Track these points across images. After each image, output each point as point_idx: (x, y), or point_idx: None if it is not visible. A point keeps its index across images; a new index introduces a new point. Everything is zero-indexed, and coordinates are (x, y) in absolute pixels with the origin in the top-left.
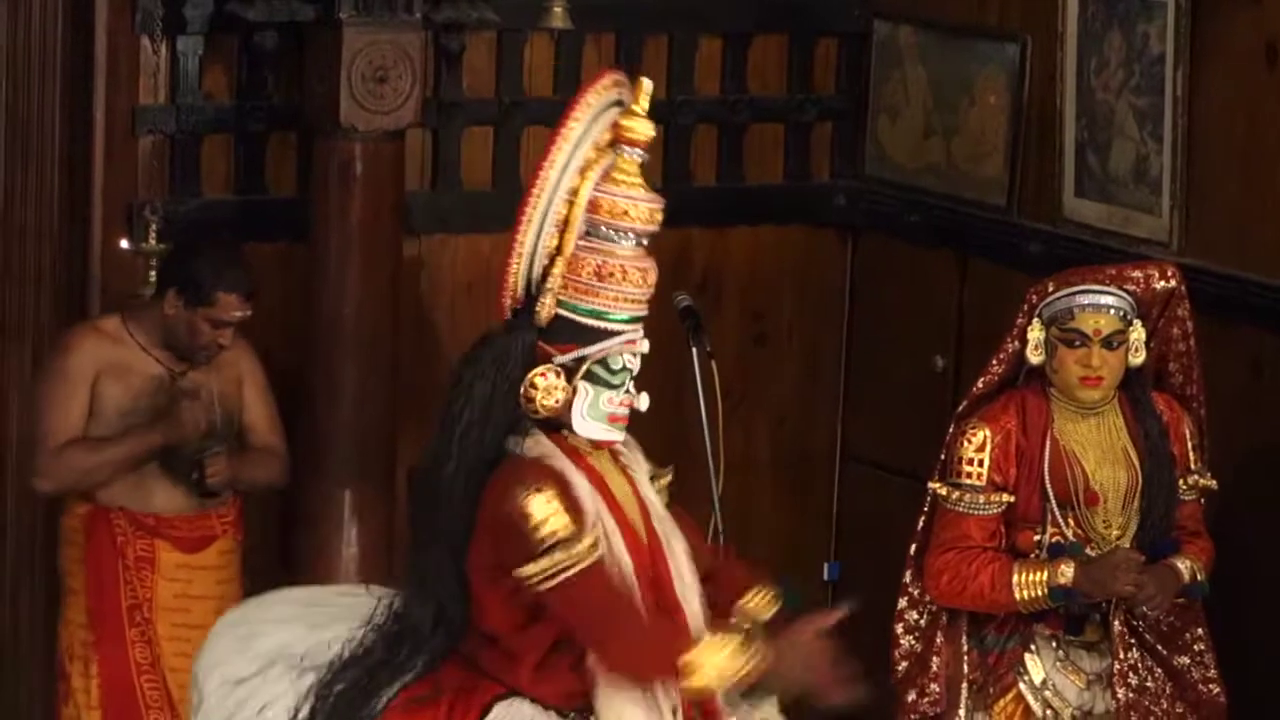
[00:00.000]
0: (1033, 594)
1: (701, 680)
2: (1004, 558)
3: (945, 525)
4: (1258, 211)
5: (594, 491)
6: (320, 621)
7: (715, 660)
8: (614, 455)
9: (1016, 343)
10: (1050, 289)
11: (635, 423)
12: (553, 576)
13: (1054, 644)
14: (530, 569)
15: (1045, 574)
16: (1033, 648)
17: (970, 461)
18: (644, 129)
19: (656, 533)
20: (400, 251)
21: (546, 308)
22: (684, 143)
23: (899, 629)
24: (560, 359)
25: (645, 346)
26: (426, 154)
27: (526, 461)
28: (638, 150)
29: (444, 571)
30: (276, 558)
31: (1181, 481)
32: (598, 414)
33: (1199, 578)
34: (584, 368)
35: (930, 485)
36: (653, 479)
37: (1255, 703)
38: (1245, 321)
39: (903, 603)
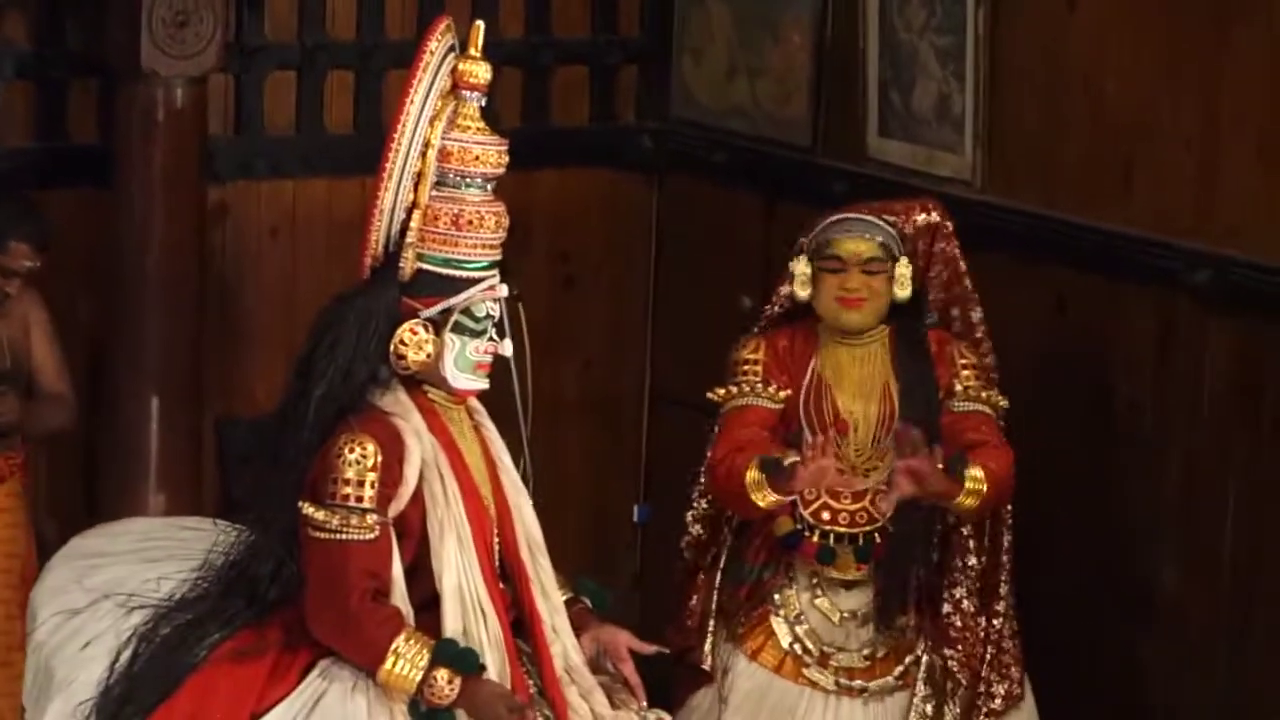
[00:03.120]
0: (763, 496)
1: (384, 682)
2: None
3: (728, 421)
4: (1059, 150)
5: (441, 453)
6: (156, 557)
7: (396, 672)
8: (469, 413)
9: (788, 284)
10: (813, 226)
11: None
12: (321, 530)
13: (812, 579)
14: (310, 510)
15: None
16: (789, 580)
17: (746, 362)
18: (483, 72)
19: (506, 494)
20: (204, 198)
21: (409, 262)
22: (489, 85)
23: (678, 566)
24: (427, 312)
25: (505, 291)
26: (230, 99)
27: (375, 414)
28: (478, 94)
29: (286, 527)
30: (81, 507)
31: (956, 401)
32: (466, 364)
33: (962, 469)
34: (451, 319)
35: (709, 395)
36: None
37: (1048, 650)
38: (1049, 259)
39: (683, 540)
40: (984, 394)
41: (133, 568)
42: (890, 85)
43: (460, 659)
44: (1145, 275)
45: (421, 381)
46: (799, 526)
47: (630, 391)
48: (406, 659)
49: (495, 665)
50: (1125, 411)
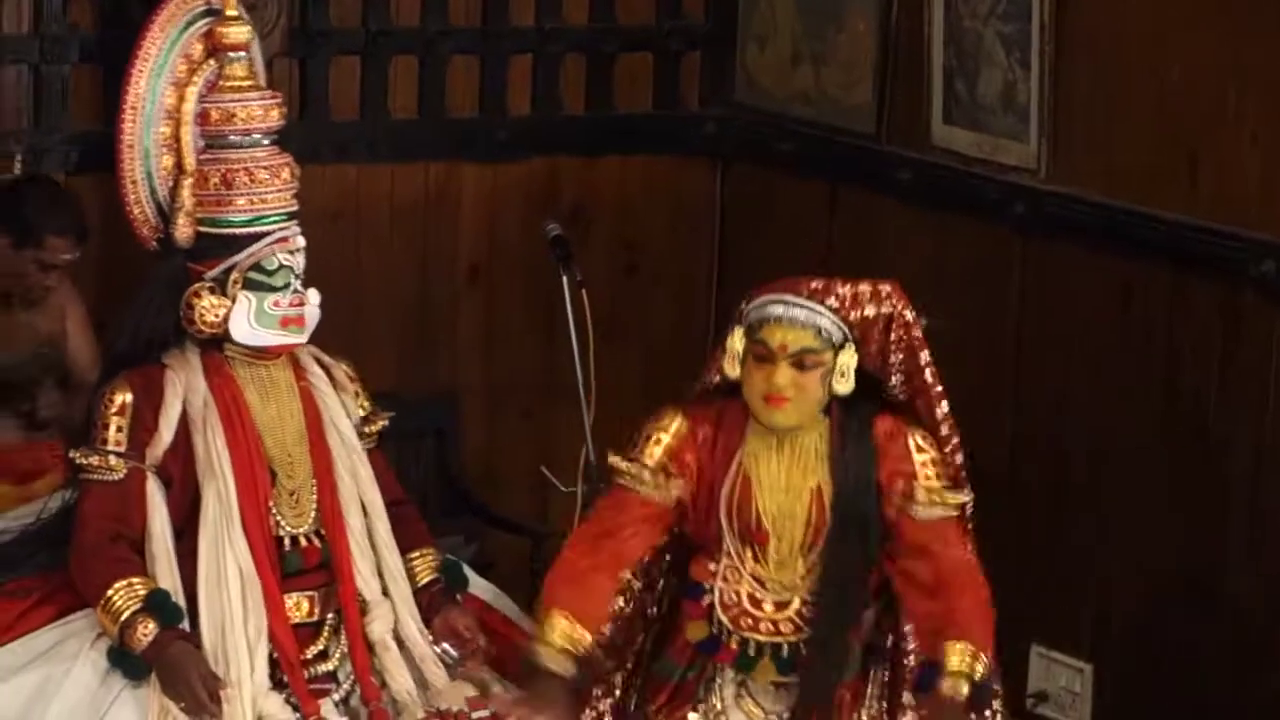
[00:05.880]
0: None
1: (99, 621)
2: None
3: (603, 501)
4: (1124, 138)
5: (214, 409)
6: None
7: (110, 609)
8: (298, 374)
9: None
10: (756, 295)
11: (508, 353)
12: (82, 471)
13: (738, 677)
14: (75, 454)
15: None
16: (715, 679)
17: (651, 437)
18: (238, 32)
19: (332, 454)
20: None
21: (181, 228)
22: (553, 72)
23: None
24: (211, 274)
25: (301, 242)
26: (294, 84)
27: (148, 367)
28: (240, 53)
29: None
30: None
31: (918, 507)
32: (268, 320)
33: (976, 671)
34: (239, 277)
35: (609, 459)
36: (366, 420)
37: (1112, 641)
38: (1113, 249)
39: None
40: (946, 496)
41: None
42: (955, 73)
43: (160, 609)
44: (1210, 265)
45: (225, 340)
46: (715, 632)
47: (693, 378)
48: (121, 598)
49: (253, 620)
50: (1190, 402)
